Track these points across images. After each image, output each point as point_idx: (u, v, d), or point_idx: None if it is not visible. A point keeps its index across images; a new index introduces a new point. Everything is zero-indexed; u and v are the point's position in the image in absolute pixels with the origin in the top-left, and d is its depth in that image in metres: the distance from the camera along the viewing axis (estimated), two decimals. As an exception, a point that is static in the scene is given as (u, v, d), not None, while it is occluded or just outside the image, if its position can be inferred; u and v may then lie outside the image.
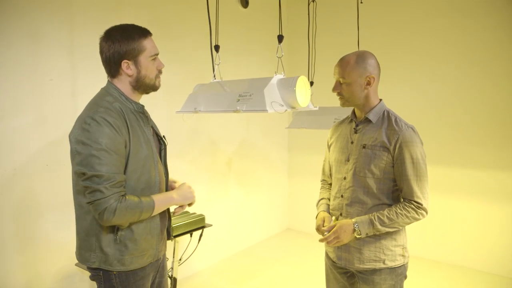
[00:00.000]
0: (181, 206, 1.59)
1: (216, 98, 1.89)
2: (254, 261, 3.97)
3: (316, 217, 1.84)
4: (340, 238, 1.63)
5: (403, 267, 1.72)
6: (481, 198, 3.61)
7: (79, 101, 2.60)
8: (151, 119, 1.63)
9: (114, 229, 1.39)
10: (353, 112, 1.81)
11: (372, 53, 1.69)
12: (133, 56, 1.42)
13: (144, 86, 1.48)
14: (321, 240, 1.70)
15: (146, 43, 1.44)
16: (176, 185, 1.61)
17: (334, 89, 1.71)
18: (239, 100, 1.78)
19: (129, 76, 1.45)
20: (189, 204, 1.62)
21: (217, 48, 2.11)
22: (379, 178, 1.64)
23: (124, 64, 1.42)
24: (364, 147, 1.67)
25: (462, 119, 3.66)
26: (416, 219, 1.62)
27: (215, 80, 2.09)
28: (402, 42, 3.93)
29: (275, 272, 3.71)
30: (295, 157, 4.96)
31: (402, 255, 1.70)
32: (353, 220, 1.64)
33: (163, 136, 1.64)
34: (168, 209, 1.64)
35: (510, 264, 3.48)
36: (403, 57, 3.94)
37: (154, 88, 1.51)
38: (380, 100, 1.74)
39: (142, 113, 1.50)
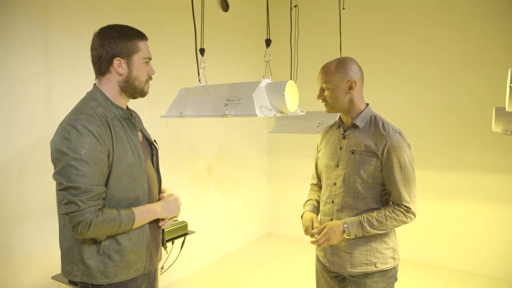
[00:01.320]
0: (164, 220, 1.51)
1: (203, 103, 1.85)
2: (237, 267, 3.92)
3: (302, 217, 1.83)
4: (330, 240, 1.63)
5: (394, 270, 1.73)
6: (474, 200, 3.68)
7: (53, 105, 2.49)
8: (141, 123, 1.56)
9: (97, 239, 1.32)
10: (340, 118, 1.82)
11: (353, 59, 1.71)
12: (127, 55, 1.37)
13: (133, 88, 1.42)
14: (312, 242, 1.68)
15: (141, 44, 1.40)
16: (164, 195, 1.55)
17: (318, 96, 1.73)
18: (227, 104, 1.74)
19: (120, 75, 1.38)
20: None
21: (202, 51, 2.06)
22: (368, 183, 1.64)
23: (116, 61, 1.36)
24: (352, 152, 1.67)
25: (450, 121, 3.73)
26: (405, 222, 1.64)
27: (200, 84, 2.04)
28: (385, 45, 4.00)
29: (258, 277, 3.67)
30: (275, 161, 4.95)
31: (393, 258, 1.71)
32: (343, 221, 1.64)
33: (154, 140, 1.58)
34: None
35: (506, 266, 3.54)
36: (387, 60, 4.01)
37: (142, 93, 1.45)
38: (367, 104, 1.75)
39: (128, 119, 1.44)
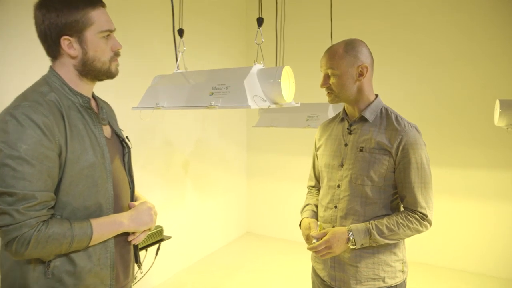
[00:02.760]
0: (135, 233, 1.21)
1: (183, 92, 1.56)
2: (215, 270, 3.65)
3: (300, 225, 1.59)
4: (332, 249, 1.39)
5: (403, 284, 1.52)
6: (473, 197, 3.52)
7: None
8: (112, 116, 1.27)
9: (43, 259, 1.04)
10: (344, 110, 1.58)
11: (363, 41, 1.47)
12: (76, 31, 1.06)
13: (95, 71, 1.12)
14: (309, 248, 1.44)
15: (94, 14, 1.08)
16: (136, 203, 1.25)
17: (322, 84, 1.47)
18: (212, 93, 1.47)
19: (72, 57, 1.09)
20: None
21: (181, 32, 1.77)
22: (379, 185, 1.42)
23: (65, 41, 1.06)
24: (361, 150, 1.44)
25: (445, 115, 3.56)
26: (419, 232, 1.42)
27: (178, 71, 1.75)
28: (377, 34, 3.74)
29: (239, 280, 3.42)
30: (254, 157, 4.70)
31: (402, 271, 1.50)
32: (347, 227, 1.41)
33: (127, 137, 1.30)
34: None
35: (506, 265, 3.42)
36: (378, 50, 3.76)
37: (109, 74, 1.15)
38: (376, 95, 1.52)
39: (89, 108, 1.14)
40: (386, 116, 1.47)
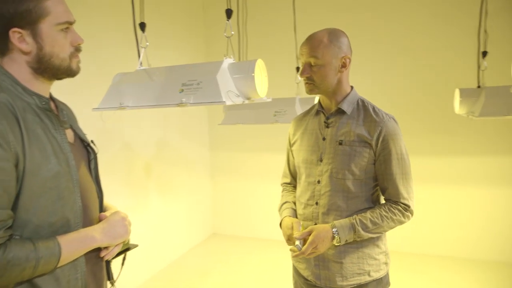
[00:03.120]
0: (108, 248, 1.08)
1: (150, 90, 1.45)
2: (183, 275, 3.53)
3: (281, 225, 1.53)
4: (317, 248, 1.35)
5: (387, 275, 1.51)
6: (444, 184, 3.62)
7: None
8: (72, 119, 1.14)
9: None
10: (320, 102, 1.54)
11: (343, 31, 1.44)
12: (29, 23, 0.92)
13: (53, 69, 0.98)
14: (296, 256, 1.39)
15: (50, 4, 0.94)
16: (106, 214, 1.12)
17: (303, 73, 1.41)
18: (182, 90, 1.37)
19: (25, 53, 0.95)
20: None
21: (142, 26, 1.65)
22: (360, 179, 1.40)
23: (14, 34, 0.92)
24: (340, 143, 1.40)
25: (415, 103, 3.60)
26: (402, 223, 1.42)
27: (142, 68, 1.63)
28: (343, 25, 3.71)
29: (212, 283, 3.33)
30: (217, 155, 4.60)
31: (385, 263, 1.49)
32: (331, 224, 1.37)
33: (92, 141, 1.17)
34: None
35: (482, 247, 3.54)
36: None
37: (70, 72, 1.01)
38: (352, 87, 1.50)
39: (49, 110, 1.00)
40: (363, 108, 1.44)
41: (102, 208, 1.16)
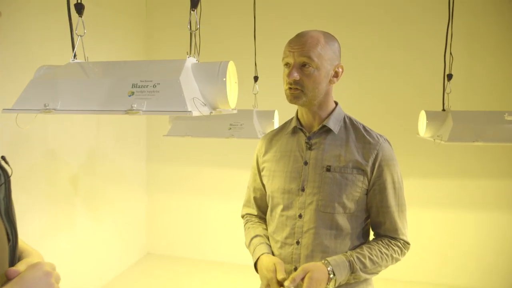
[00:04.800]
0: None
1: (87, 90, 1.11)
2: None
3: (256, 265, 1.23)
4: None
5: None
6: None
7: None
8: None
9: None
10: (297, 118, 1.29)
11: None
12: None
13: None
14: None
15: None
16: (21, 268, 0.75)
17: (291, 75, 1.14)
18: (133, 93, 1.05)
19: None
20: None
21: (79, 8, 1.30)
22: (351, 212, 1.17)
23: None
24: (328, 169, 1.17)
25: (381, 124, 3.39)
26: (397, 261, 1.22)
27: (76, 61, 1.28)
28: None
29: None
30: (155, 168, 4.17)
31: None
32: (324, 263, 1.11)
33: (2, 157, 0.81)
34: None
35: (450, 272, 3.42)
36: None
37: None
38: (336, 103, 1.28)
39: None
40: (353, 127, 1.23)
41: (14, 257, 0.79)
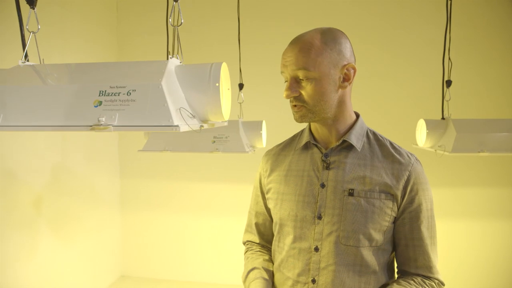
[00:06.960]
0: None
1: (40, 100, 0.86)
2: None
3: None
4: None
5: None
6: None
7: None
8: None
9: None
10: (310, 131, 1.07)
11: (342, 31, 1.01)
12: None
13: None
14: None
15: None
16: None
17: (289, 93, 0.95)
18: (100, 103, 0.82)
19: None
20: None
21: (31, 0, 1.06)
22: (378, 245, 0.97)
23: None
24: (351, 194, 0.96)
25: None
26: None
27: (27, 63, 1.03)
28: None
29: None
30: (129, 184, 3.87)
31: None
32: None
33: None
34: None
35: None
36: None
37: None
38: (357, 114, 1.07)
39: None
40: (378, 143, 1.03)
41: None
